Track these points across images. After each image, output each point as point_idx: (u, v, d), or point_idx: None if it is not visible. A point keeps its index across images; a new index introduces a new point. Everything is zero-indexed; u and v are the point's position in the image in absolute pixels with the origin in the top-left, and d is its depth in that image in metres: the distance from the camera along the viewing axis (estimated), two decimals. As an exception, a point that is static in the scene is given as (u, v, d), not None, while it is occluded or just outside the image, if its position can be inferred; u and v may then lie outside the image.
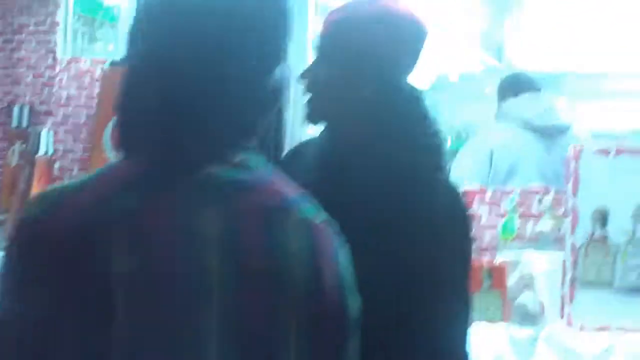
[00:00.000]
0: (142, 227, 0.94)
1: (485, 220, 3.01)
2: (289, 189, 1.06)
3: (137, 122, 1.01)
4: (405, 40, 1.54)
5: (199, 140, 0.99)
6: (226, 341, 0.94)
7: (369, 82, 1.51)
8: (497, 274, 2.72)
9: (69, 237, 0.92)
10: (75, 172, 3.77)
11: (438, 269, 1.42)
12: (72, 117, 3.93)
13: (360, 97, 1.51)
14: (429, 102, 1.56)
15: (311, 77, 1.56)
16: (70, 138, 3.89)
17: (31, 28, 4.08)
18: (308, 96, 1.57)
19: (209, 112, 1.00)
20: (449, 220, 1.45)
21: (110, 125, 3.45)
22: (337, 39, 1.54)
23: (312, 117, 1.58)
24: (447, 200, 1.48)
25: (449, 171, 1.60)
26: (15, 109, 3.98)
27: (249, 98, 1.04)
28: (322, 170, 1.54)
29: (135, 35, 1.02)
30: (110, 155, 3.48)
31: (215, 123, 1.01)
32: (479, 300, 2.76)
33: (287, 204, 1.03)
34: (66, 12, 4.00)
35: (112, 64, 3.49)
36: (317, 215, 1.06)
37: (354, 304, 1.08)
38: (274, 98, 1.08)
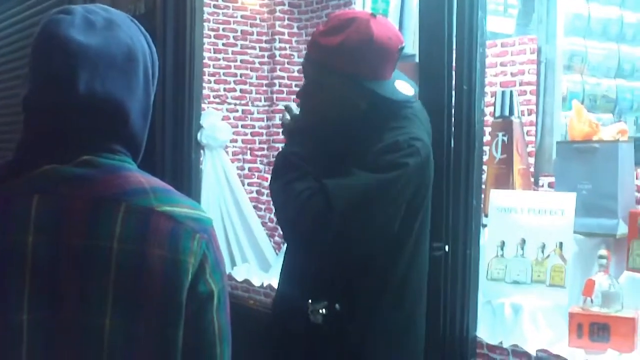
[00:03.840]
0: None
1: None
2: (135, 185, 1.21)
3: (29, 130, 1.24)
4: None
5: (56, 144, 1.21)
6: (37, 304, 1.14)
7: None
8: None
9: None
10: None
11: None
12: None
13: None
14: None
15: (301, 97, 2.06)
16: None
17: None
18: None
19: (76, 125, 1.20)
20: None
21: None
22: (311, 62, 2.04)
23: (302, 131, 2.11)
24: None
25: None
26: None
27: (119, 114, 1.22)
28: None
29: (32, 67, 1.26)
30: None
31: (82, 132, 1.21)
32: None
33: (122, 194, 1.19)
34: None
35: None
36: (161, 205, 1.20)
37: (202, 287, 1.20)
38: (142, 114, 1.26)
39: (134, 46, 1.26)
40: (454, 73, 2.54)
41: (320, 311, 1.95)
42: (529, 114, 3.22)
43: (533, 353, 2.46)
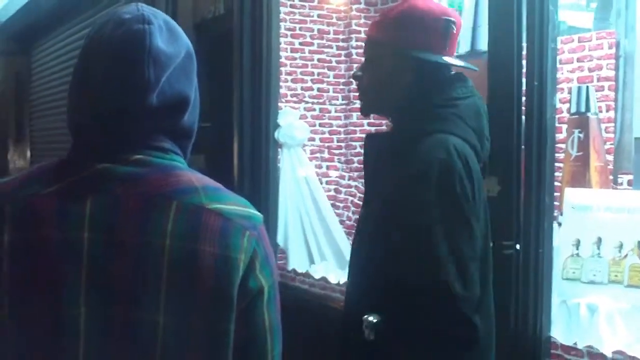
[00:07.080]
0: (32, 208, 1.22)
1: None
2: (186, 183, 1.24)
3: (79, 128, 1.29)
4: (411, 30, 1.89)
5: (110, 144, 1.25)
6: (92, 298, 1.18)
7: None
8: None
9: None
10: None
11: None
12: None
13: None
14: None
15: (358, 78, 1.94)
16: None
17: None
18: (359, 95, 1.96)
19: (136, 126, 1.25)
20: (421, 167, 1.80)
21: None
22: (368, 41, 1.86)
23: (363, 111, 2.04)
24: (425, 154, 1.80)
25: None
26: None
27: (182, 108, 1.27)
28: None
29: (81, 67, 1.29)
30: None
31: (131, 131, 1.24)
32: None
33: (173, 193, 1.22)
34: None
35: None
36: (211, 203, 1.23)
37: (253, 283, 1.22)
38: (195, 107, 1.30)
39: (189, 43, 1.30)
40: (524, 69, 2.50)
41: (373, 326, 1.85)
42: (608, 110, 3.13)
43: (609, 355, 2.40)
